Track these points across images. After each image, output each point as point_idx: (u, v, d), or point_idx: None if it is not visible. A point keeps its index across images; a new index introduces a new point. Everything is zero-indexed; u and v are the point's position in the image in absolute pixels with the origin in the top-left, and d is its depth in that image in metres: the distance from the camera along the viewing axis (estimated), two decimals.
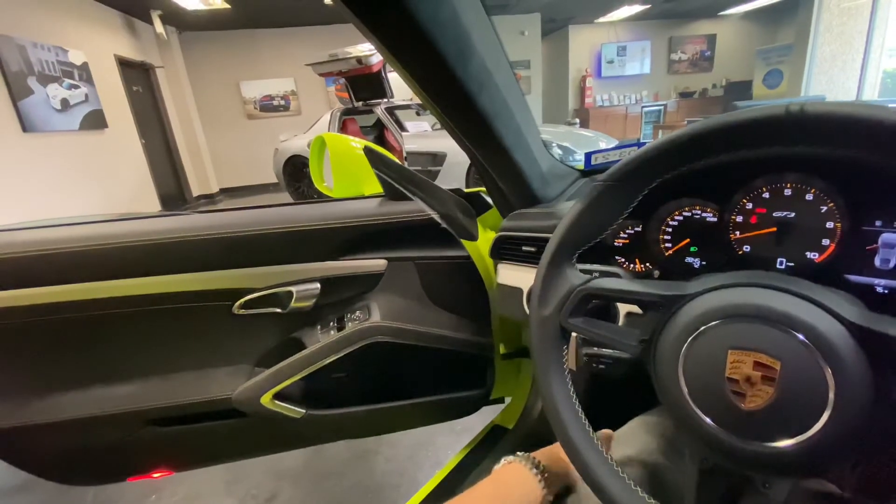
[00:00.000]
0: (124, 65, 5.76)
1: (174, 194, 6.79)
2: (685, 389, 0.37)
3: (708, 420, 0.36)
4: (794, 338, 0.33)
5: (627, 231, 0.60)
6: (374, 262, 0.84)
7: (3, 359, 0.78)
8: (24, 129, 3.93)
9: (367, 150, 0.82)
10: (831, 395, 0.31)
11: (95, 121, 4.96)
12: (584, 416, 0.43)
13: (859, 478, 0.46)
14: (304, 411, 0.85)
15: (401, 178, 0.81)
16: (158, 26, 6.06)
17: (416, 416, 0.98)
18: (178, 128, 6.98)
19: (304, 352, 0.81)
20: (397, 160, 0.84)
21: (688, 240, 0.55)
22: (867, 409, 0.31)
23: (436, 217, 0.81)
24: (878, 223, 0.41)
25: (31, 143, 4.02)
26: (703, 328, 0.36)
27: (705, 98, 9.53)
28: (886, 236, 0.40)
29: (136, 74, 6.16)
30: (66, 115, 4.48)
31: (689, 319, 0.37)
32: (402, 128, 4.86)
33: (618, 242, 0.61)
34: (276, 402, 0.82)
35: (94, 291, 0.74)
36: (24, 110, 3.91)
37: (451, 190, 0.86)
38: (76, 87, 4.68)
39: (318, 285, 0.82)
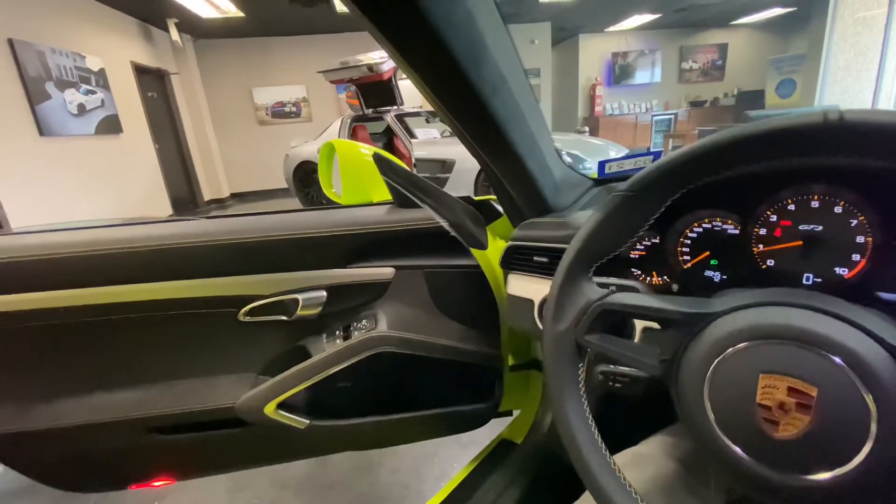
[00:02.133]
0: (140, 71, 5.87)
1: (186, 198, 6.88)
2: (711, 416, 0.34)
3: (737, 449, 0.33)
4: (832, 362, 0.30)
5: (644, 243, 0.58)
6: (381, 271, 0.83)
7: (7, 363, 0.77)
8: (41, 133, 4.01)
9: (377, 157, 0.81)
10: (874, 426, 0.29)
11: (111, 126, 5.05)
12: (600, 438, 0.41)
13: None
14: (308, 422, 0.83)
15: (410, 185, 0.80)
16: (174, 34, 6.17)
17: (423, 429, 0.96)
18: (191, 133, 7.08)
19: (309, 361, 0.79)
20: (406, 167, 0.83)
21: (707, 252, 0.53)
22: None
23: (445, 225, 0.80)
24: None
25: (47, 147, 4.10)
26: (730, 350, 0.34)
27: (716, 107, 9.47)
28: None
29: (152, 80, 6.27)
30: (82, 119, 4.57)
31: (716, 340, 0.35)
32: (411, 135, 4.88)
33: (634, 254, 0.59)
34: (280, 411, 0.81)
35: (99, 296, 0.73)
36: (41, 115, 3.99)
37: (461, 197, 0.84)
38: (93, 92, 4.78)
39: (325, 293, 0.80)
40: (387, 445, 1.01)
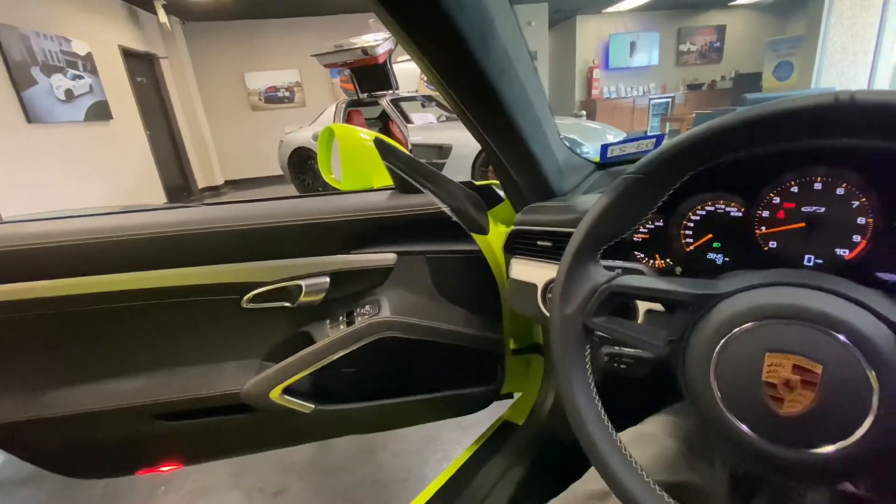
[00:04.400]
0: (129, 55, 5.73)
1: (179, 186, 6.80)
2: (717, 394, 0.35)
3: (742, 426, 0.34)
4: (836, 340, 0.31)
5: (647, 226, 0.58)
6: (383, 256, 0.83)
7: (11, 352, 0.77)
8: (29, 120, 3.93)
9: (378, 142, 0.81)
10: (875, 400, 0.30)
11: (100, 112, 4.96)
12: (607, 419, 0.42)
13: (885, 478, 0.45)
14: (313, 406, 0.84)
15: (411, 170, 0.80)
16: (162, 16, 6.02)
17: (426, 412, 0.97)
18: (182, 119, 6.96)
19: (313, 347, 0.80)
20: (407, 152, 0.82)
21: (710, 235, 0.53)
22: None
23: (446, 210, 0.80)
24: None
25: (36, 134, 4.02)
26: (737, 330, 0.34)
27: (714, 90, 9.42)
28: None
29: (141, 65, 6.13)
30: (70, 105, 4.47)
31: (723, 320, 0.35)
32: (407, 120, 4.83)
33: (637, 237, 0.60)
34: (286, 396, 0.81)
35: (102, 284, 0.73)
36: (28, 101, 3.90)
37: (462, 182, 0.84)
38: (80, 77, 4.67)
39: (328, 279, 0.81)
40: (390, 428, 1.03)
